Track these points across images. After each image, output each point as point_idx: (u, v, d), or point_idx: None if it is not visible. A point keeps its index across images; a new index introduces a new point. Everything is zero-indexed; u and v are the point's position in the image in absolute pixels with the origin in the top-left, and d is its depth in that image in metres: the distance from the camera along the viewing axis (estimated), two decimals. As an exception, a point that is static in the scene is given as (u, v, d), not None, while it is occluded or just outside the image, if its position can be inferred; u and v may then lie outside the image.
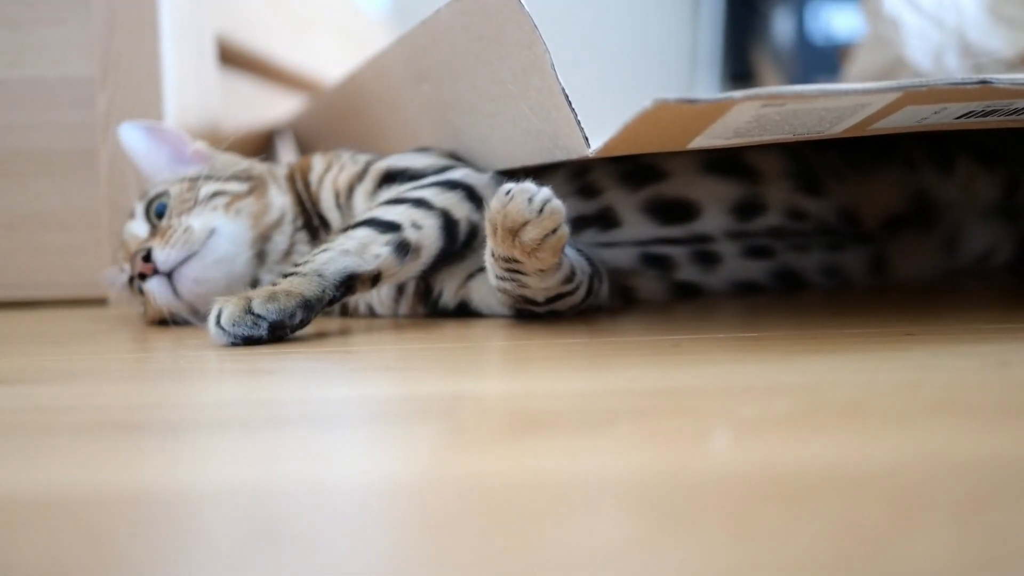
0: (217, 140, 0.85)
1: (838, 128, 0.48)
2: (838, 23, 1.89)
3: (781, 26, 1.98)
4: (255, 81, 1.15)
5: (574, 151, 0.50)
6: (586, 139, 0.48)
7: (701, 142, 0.47)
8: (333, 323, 0.62)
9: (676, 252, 0.66)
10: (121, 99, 0.73)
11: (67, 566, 0.23)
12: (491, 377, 0.43)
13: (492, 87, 0.57)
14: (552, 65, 0.48)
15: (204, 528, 0.26)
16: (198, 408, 0.40)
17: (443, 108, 0.67)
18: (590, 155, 0.48)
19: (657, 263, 0.65)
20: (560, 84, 0.48)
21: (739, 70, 2.16)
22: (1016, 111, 0.48)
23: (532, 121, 0.53)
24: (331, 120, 0.97)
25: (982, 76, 0.44)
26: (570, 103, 0.48)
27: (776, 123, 0.46)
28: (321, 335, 0.56)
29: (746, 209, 0.66)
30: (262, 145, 1.15)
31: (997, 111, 0.48)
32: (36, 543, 0.25)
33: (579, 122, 0.48)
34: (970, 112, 0.48)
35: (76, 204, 0.74)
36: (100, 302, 0.74)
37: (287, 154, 1.28)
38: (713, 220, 0.66)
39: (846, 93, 0.44)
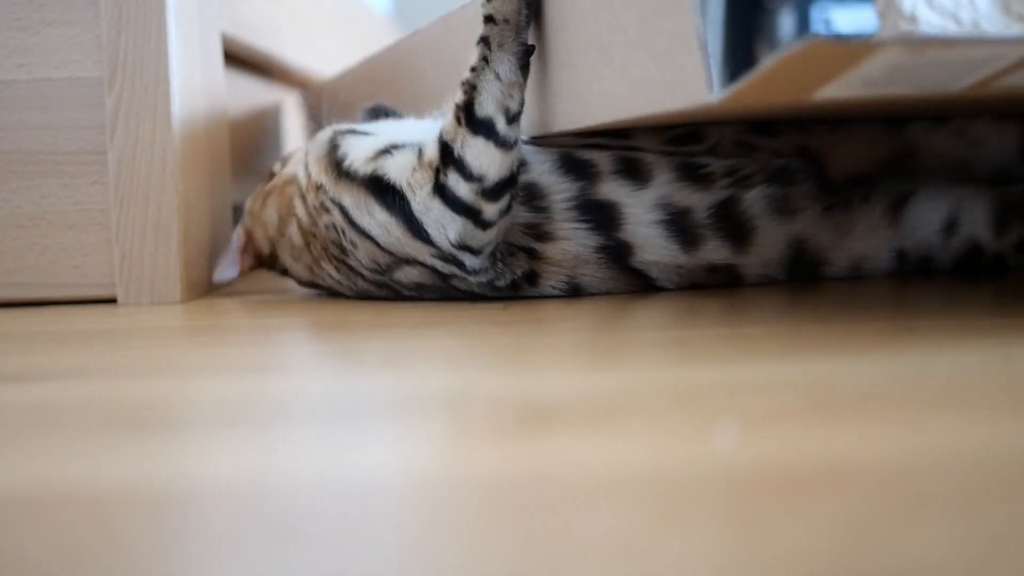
0: (223, 141, 0.85)
1: (964, 82, 0.47)
2: (841, 21, 1.89)
3: (785, 25, 1.97)
4: (261, 81, 1.15)
5: (693, 98, 0.48)
6: (711, 87, 0.46)
7: (830, 91, 0.46)
8: (341, 320, 0.62)
9: (600, 157, 0.65)
10: (129, 99, 0.74)
11: (79, 561, 0.24)
12: (498, 372, 0.43)
13: (605, 36, 0.55)
14: (696, 5, 0.47)
15: (215, 524, 0.26)
16: (207, 404, 0.40)
17: (541, 62, 0.65)
18: (713, 101, 0.46)
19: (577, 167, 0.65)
20: (700, 24, 0.46)
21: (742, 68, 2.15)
22: None
23: (649, 69, 0.51)
24: (380, 84, 0.96)
25: None
26: (705, 47, 0.46)
27: (908, 74, 0.45)
28: (323, 332, 0.57)
29: (686, 137, 0.66)
30: (264, 126, 1.15)
31: None
32: (47, 538, 0.25)
33: (709, 67, 0.46)
34: None
35: (84, 204, 0.75)
36: (109, 302, 0.75)
37: (293, 129, 1.28)
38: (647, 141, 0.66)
39: (991, 41, 0.43)
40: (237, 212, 1.49)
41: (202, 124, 0.79)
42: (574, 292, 0.66)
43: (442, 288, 0.66)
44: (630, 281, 0.66)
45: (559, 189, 0.65)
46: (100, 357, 0.52)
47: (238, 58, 1.05)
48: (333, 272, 0.69)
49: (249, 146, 1.09)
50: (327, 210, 0.66)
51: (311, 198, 0.67)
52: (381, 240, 0.64)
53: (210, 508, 0.27)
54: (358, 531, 0.25)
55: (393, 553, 0.23)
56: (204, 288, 0.79)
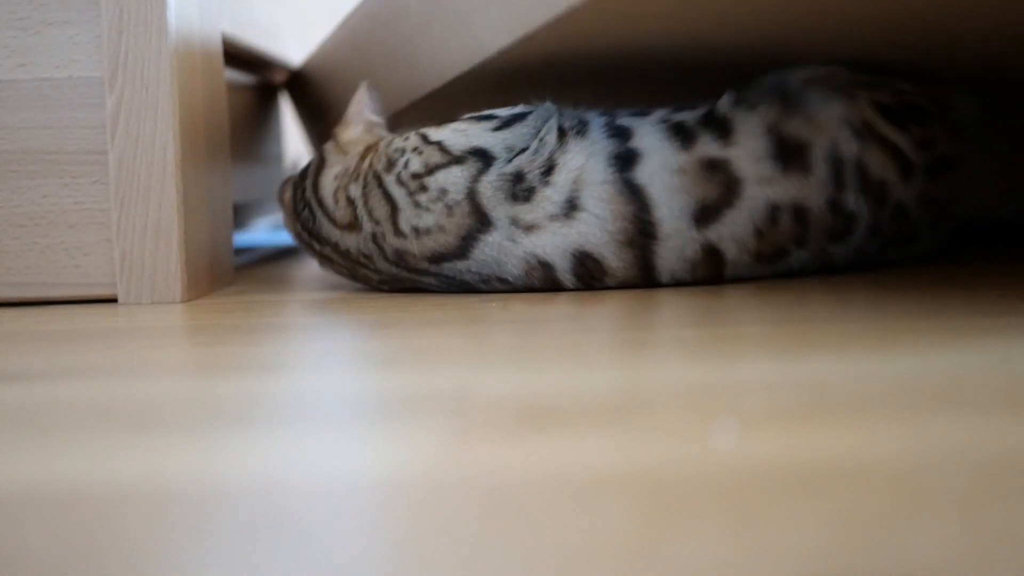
0: (224, 141, 0.85)
1: None
2: None
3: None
4: (262, 81, 1.15)
5: None
6: None
7: None
8: (343, 320, 0.62)
9: None
10: (129, 99, 0.74)
11: (77, 561, 0.24)
12: (499, 371, 0.44)
13: None
14: None
15: (214, 524, 0.26)
16: (207, 404, 0.40)
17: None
18: None
19: None
20: None
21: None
22: None
23: None
24: (358, 45, 0.95)
25: None
26: None
27: None
28: (325, 332, 0.57)
29: None
30: (264, 126, 1.15)
31: None
32: (47, 538, 0.25)
33: None
34: None
35: (85, 204, 0.75)
36: (109, 301, 0.75)
37: (293, 129, 1.28)
38: None
39: None
40: (238, 211, 1.50)
41: (203, 124, 0.80)
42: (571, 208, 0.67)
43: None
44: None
45: None
46: (100, 356, 0.52)
47: (239, 58, 1.05)
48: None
49: (249, 146, 1.09)
50: None
51: None
52: None
53: (210, 508, 0.27)
54: (358, 531, 0.25)
55: (392, 553, 0.24)
56: (206, 287, 0.79)
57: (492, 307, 0.64)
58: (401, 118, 0.96)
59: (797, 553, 0.22)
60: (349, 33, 0.97)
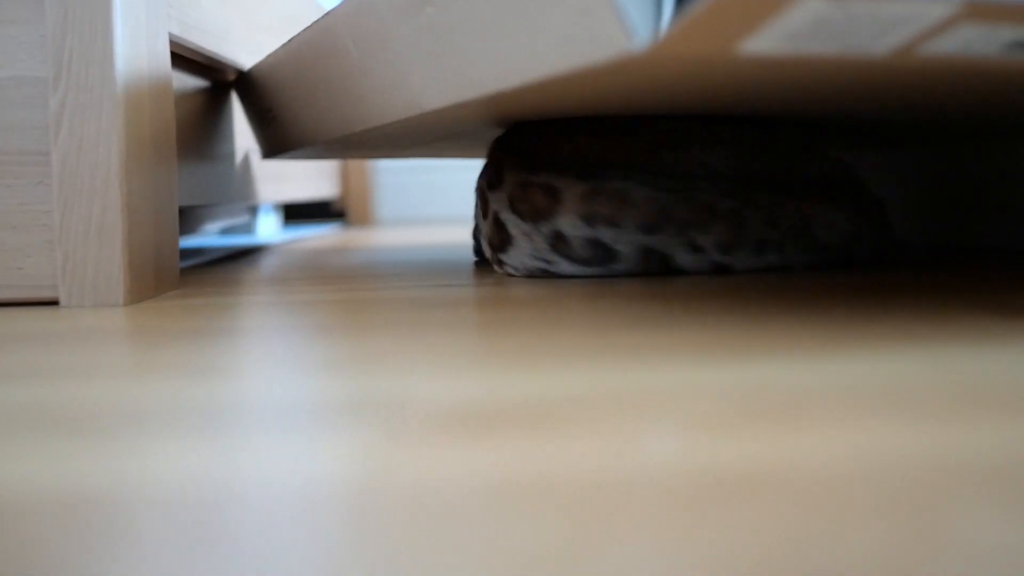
0: (170, 143, 0.85)
1: (888, 43, 0.47)
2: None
3: None
4: (211, 83, 1.14)
5: (616, 47, 0.47)
6: (630, 36, 0.46)
7: (755, 44, 0.46)
8: (286, 323, 0.62)
9: None
10: (74, 100, 0.73)
11: (-1, 564, 0.23)
12: (443, 375, 0.43)
13: None
14: None
15: (141, 532, 0.26)
16: (143, 408, 0.40)
17: (449, 32, 0.65)
18: (636, 50, 0.46)
19: None
20: None
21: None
22: None
23: (568, 25, 0.51)
24: (301, 67, 0.96)
25: None
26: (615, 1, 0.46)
27: (832, 30, 0.45)
28: (268, 335, 0.56)
29: None
30: (211, 101, 1.14)
31: None
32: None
33: (626, 17, 0.46)
34: (1016, 42, 0.47)
35: (28, 205, 0.74)
36: (51, 304, 0.74)
37: (244, 131, 1.27)
38: None
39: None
40: (183, 214, 1.49)
41: (148, 126, 0.79)
42: None
43: None
44: None
45: None
46: (38, 359, 0.51)
47: (187, 60, 1.05)
48: None
49: (200, 148, 1.08)
50: None
51: None
52: None
53: (142, 515, 0.27)
54: (289, 540, 0.25)
55: (325, 563, 0.23)
56: (149, 290, 0.78)
57: (440, 310, 0.64)
58: (349, 141, 0.96)
59: (731, 561, 0.22)
60: (292, 55, 0.97)
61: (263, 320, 0.64)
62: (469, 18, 0.62)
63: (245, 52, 1.16)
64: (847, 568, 0.21)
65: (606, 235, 0.81)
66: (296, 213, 2.50)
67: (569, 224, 0.81)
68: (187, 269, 1.12)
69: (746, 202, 0.82)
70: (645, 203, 0.81)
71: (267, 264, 1.16)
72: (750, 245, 0.82)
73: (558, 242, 0.82)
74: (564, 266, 0.84)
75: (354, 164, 2.33)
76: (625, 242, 0.82)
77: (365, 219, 2.35)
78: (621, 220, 0.81)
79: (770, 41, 0.46)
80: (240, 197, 1.26)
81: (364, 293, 0.78)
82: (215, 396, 0.41)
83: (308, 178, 1.81)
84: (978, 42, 0.47)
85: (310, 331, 0.58)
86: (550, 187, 0.82)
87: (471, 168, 2.55)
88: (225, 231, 1.84)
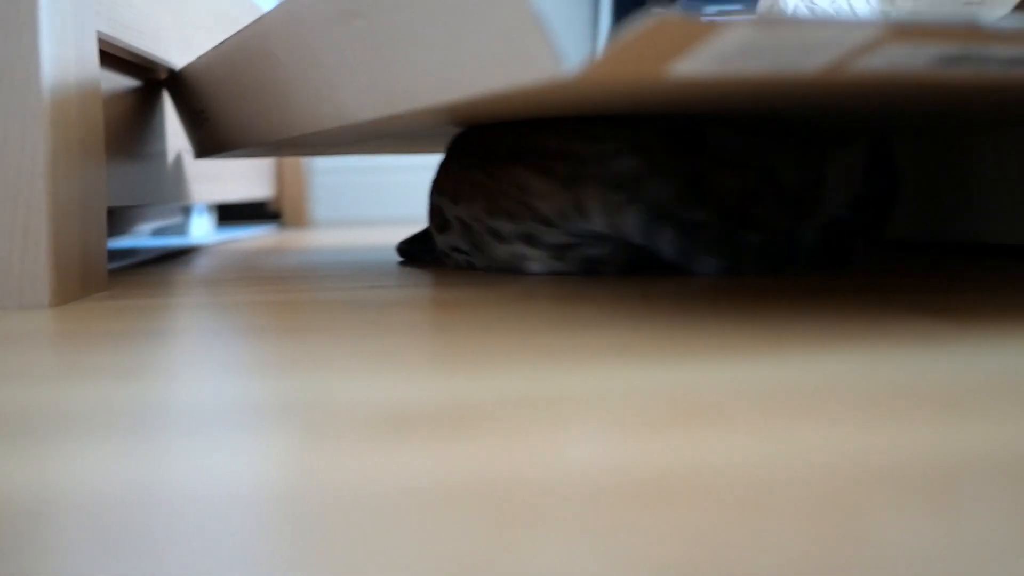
0: (98, 143, 0.83)
1: (817, 61, 0.47)
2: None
3: None
4: (142, 83, 1.13)
5: (545, 72, 0.48)
6: (560, 61, 0.46)
7: (686, 66, 0.46)
8: (213, 325, 0.61)
9: None
10: (-2, 98, 0.72)
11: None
12: (367, 377, 0.43)
13: (446, 12, 0.55)
14: None
15: (65, 538, 0.25)
16: (63, 412, 0.39)
17: (379, 45, 0.64)
18: (566, 75, 0.46)
19: None
20: (534, 3, 0.46)
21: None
22: (984, 60, 0.49)
23: (498, 46, 0.51)
24: (233, 71, 0.95)
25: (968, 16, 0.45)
26: (545, 24, 0.46)
27: (761, 52, 0.46)
28: (192, 338, 0.56)
29: None
30: (142, 101, 1.13)
31: (966, 60, 0.48)
32: None
33: (554, 43, 0.46)
34: (942, 58, 0.48)
35: (-49, 205, 0.73)
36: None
37: (177, 132, 1.26)
38: None
39: (837, 24, 0.44)
40: (114, 215, 1.47)
41: (75, 125, 0.78)
42: None
43: None
44: None
45: None
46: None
47: (118, 59, 1.03)
48: None
49: (129, 147, 1.07)
50: None
51: None
52: None
53: (66, 520, 0.26)
54: (216, 545, 0.24)
55: (250, 567, 0.23)
56: (76, 292, 0.77)
57: (371, 312, 0.64)
58: (283, 142, 0.96)
59: (652, 564, 0.22)
60: (224, 58, 0.96)
61: (192, 322, 0.64)
62: (398, 33, 0.62)
63: (177, 51, 1.15)
64: (768, 573, 0.22)
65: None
66: (231, 214, 2.48)
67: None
68: (117, 270, 1.10)
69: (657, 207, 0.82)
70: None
71: (199, 265, 1.15)
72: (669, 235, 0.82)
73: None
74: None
75: (290, 165, 2.32)
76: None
77: (301, 220, 2.33)
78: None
79: (700, 64, 0.46)
80: (172, 197, 1.25)
81: (296, 295, 0.78)
82: (141, 400, 0.41)
83: (243, 179, 1.79)
84: (905, 58, 0.48)
85: (240, 333, 0.58)
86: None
87: (408, 169, 2.55)
88: (157, 232, 1.82)
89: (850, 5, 1.07)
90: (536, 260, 0.87)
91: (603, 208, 0.82)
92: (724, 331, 0.53)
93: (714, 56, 0.45)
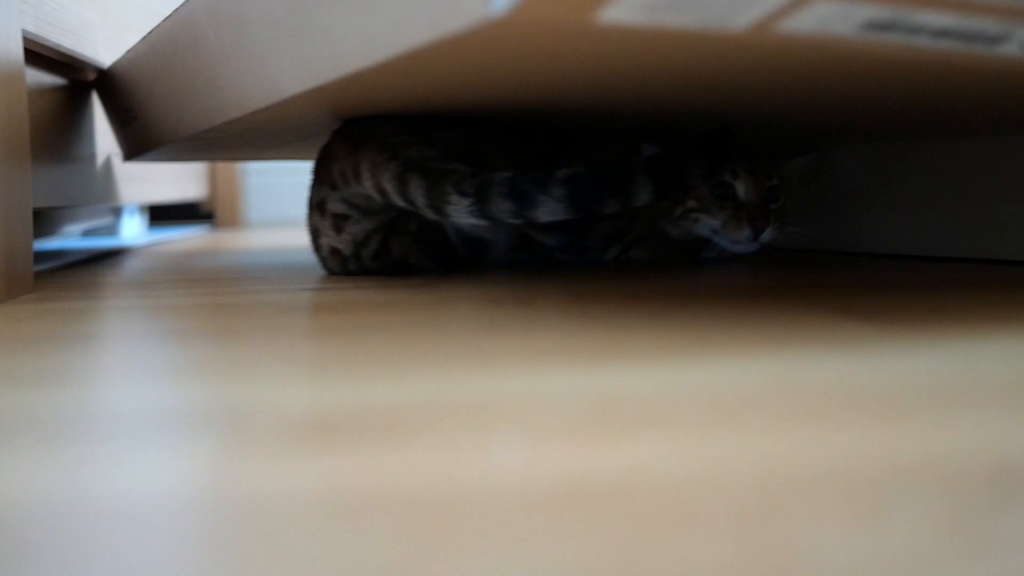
0: (23, 142, 0.82)
1: (746, 17, 0.47)
2: None
3: None
4: (70, 81, 1.11)
5: (474, 15, 0.47)
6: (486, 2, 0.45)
7: (613, 13, 0.45)
8: (137, 329, 0.60)
9: None
10: (-82, 97, 0.70)
11: None
12: (291, 383, 0.43)
13: None
14: None
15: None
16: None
17: (307, 10, 0.63)
18: (493, 15, 0.45)
19: None
20: None
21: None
22: (914, 30, 0.48)
23: None
24: (161, 61, 0.94)
25: None
26: None
27: (691, 2, 0.45)
28: (115, 342, 0.55)
29: None
30: (70, 100, 1.11)
31: (895, 27, 0.48)
32: None
33: None
34: (872, 23, 0.48)
35: None
36: None
37: (106, 132, 1.24)
38: None
39: None
40: (42, 216, 1.44)
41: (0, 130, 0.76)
42: None
43: None
44: None
45: None
46: None
47: (44, 58, 1.02)
48: None
49: (56, 148, 1.05)
50: None
51: None
52: None
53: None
54: (120, 555, 0.24)
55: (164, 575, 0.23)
56: (0, 295, 0.76)
57: (298, 315, 0.63)
58: (210, 139, 0.95)
59: (573, 572, 0.22)
60: (151, 50, 0.95)
61: (118, 326, 0.63)
62: None
63: (107, 50, 1.14)
64: None
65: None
66: (163, 214, 2.45)
67: None
68: (44, 272, 1.09)
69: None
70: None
71: (129, 267, 1.13)
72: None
73: None
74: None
75: (223, 165, 2.29)
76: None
77: (234, 221, 2.31)
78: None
79: (628, 11, 0.45)
80: (102, 198, 1.23)
81: (225, 297, 0.77)
82: (62, 406, 0.40)
83: (175, 179, 1.77)
84: (834, 20, 0.47)
85: (166, 337, 0.57)
86: None
87: (343, 170, 2.53)
88: (87, 233, 1.80)
89: None
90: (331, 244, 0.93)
91: (370, 168, 0.85)
92: (649, 335, 0.53)
93: (643, 3, 0.45)
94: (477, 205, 0.80)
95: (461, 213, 0.81)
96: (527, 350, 0.50)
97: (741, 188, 0.98)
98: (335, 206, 0.91)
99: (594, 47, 0.54)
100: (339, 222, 0.91)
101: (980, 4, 0.47)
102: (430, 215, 0.83)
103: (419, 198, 0.83)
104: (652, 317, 0.60)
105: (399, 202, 0.84)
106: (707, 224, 0.99)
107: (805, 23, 0.47)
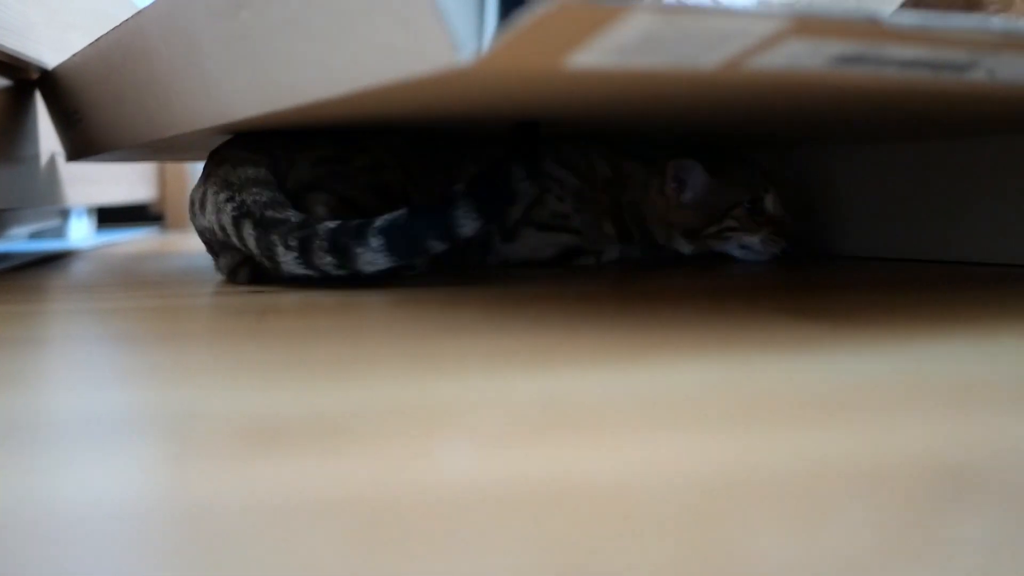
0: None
1: (715, 57, 0.47)
2: None
3: None
4: (13, 83, 1.10)
5: (440, 61, 0.47)
6: (457, 48, 0.45)
7: (586, 57, 0.46)
8: (74, 332, 0.60)
9: None
10: None
11: None
12: (234, 387, 0.43)
13: (335, 5, 0.54)
14: None
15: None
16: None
17: (265, 37, 0.63)
18: (460, 63, 0.45)
19: None
20: None
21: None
22: (882, 62, 0.49)
23: (392, 36, 0.50)
24: (109, 69, 0.92)
25: (870, 13, 0.45)
26: (439, 11, 0.45)
27: (661, 44, 0.45)
28: (50, 345, 0.54)
29: None
30: (14, 101, 1.10)
31: (864, 60, 0.49)
32: None
33: (452, 28, 0.45)
34: (841, 57, 0.48)
35: None
36: None
37: (50, 132, 1.22)
38: None
39: (738, 14, 0.44)
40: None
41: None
42: None
43: None
44: None
45: None
46: None
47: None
48: None
49: (1, 149, 1.04)
50: None
51: None
52: None
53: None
54: (69, 564, 0.24)
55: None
56: (-58, 300, 0.75)
57: (247, 318, 0.63)
58: (159, 144, 0.94)
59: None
60: (99, 56, 0.94)
61: (63, 329, 0.62)
62: (288, 24, 0.60)
63: (51, 50, 1.12)
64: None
65: None
66: (112, 217, 2.43)
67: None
68: (-11, 276, 1.07)
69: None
70: None
71: (77, 270, 1.12)
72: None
73: None
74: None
75: (172, 167, 2.27)
76: None
77: (183, 223, 2.29)
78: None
79: (599, 55, 0.46)
80: (47, 200, 1.22)
81: (173, 300, 0.76)
82: (6, 410, 0.39)
83: (123, 181, 1.76)
84: (804, 56, 0.48)
85: (112, 341, 0.56)
86: None
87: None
88: (34, 236, 1.78)
89: None
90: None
91: (213, 204, 0.84)
92: (597, 337, 0.53)
93: (614, 47, 0.45)
94: (302, 258, 0.78)
95: (290, 265, 0.79)
96: (475, 353, 0.50)
97: (770, 202, 1.00)
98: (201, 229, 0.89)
99: (563, 83, 0.54)
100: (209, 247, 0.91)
101: (947, 37, 0.47)
102: (267, 264, 0.82)
103: (252, 245, 0.81)
104: (600, 319, 0.60)
105: (239, 245, 0.82)
106: (743, 241, 1.00)
107: (775, 60, 0.48)
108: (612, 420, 0.36)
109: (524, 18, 0.41)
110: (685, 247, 1.02)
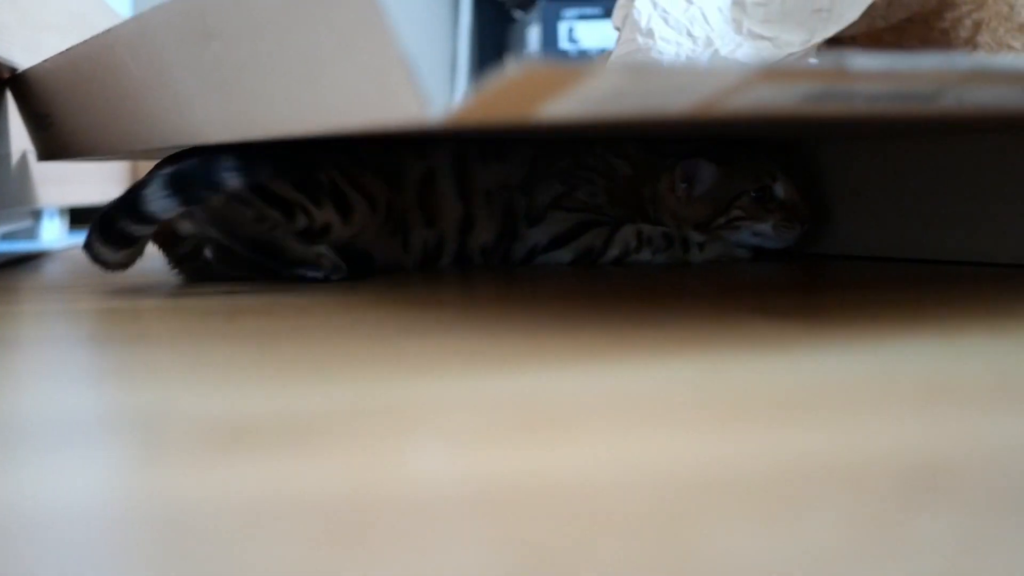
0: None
1: (685, 102, 0.48)
2: (584, 34, 1.98)
3: (532, 39, 2.04)
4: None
5: (410, 114, 0.48)
6: (425, 105, 0.47)
7: (554, 109, 0.46)
8: (44, 334, 0.59)
9: None
10: None
11: None
12: (205, 388, 0.42)
13: (307, 49, 0.54)
14: (390, 26, 0.47)
15: None
16: None
17: (236, 70, 0.63)
18: (432, 122, 0.46)
19: None
20: (399, 47, 0.47)
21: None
22: (850, 96, 0.50)
23: (361, 85, 0.51)
24: (82, 79, 0.92)
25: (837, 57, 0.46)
26: (409, 67, 0.46)
27: (630, 95, 0.46)
28: (22, 346, 0.54)
29: None
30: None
31: (832, 96, 0.49)
32: None
33: (419, 87, 0.46)
34: (809, 95, 0.49)
35: None
36: None
37: (21, 133, 1.21)
38: None
39: (702, 70, 0.45)
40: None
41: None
42: None
43: None
44: None
45: None
46: None
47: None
48: None
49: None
50: None
51: None
52: None
53: None
54: (39, 567, 0.24)
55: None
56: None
57: (217, 318, 0.62)
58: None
59: None
60: (71, 65, 0.94)
61: (34, 331, 0.62)
62: (257, 60, 0.61)
63: (22, 50, 1.11)
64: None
65: None
66: (85, 217, 2.41)
67: None
68: (-41, 277, 1.06)
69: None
70: None
71: (48, 271, 1.11)
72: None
73: None
74: None
75: (145, 168, 2.26)
76: None
77: (158, 223, 2.27)
78: None
79: (570, 106, 0.47)
80: (18, 201, 1.21)
81: (145, 301, 0.76)
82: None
83: (96, 181, 1.74)
84: (773, 97, 0.49)
85: (83, 343, 0.56)
86: None
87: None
88: (6, 236, 1.76)
89: (703, 14, 1.08)
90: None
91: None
92: (568, 337, 0.53)
93: (583, 100, 0.46)
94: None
95: None
96: (445, 353, 0.49)
97: (780, 188, 0.99)
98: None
99: (535, 122, 0.54)
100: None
101: (912, 74, 0.48)
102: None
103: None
104: (572, 318, 0.60)
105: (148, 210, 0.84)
106: (753, 229, 1.00)
107: (746, 101, 0.49)
108: (585, 420, 0.36)
109: (493, 79, 0.42)
110: (697, 244, 1.00)
